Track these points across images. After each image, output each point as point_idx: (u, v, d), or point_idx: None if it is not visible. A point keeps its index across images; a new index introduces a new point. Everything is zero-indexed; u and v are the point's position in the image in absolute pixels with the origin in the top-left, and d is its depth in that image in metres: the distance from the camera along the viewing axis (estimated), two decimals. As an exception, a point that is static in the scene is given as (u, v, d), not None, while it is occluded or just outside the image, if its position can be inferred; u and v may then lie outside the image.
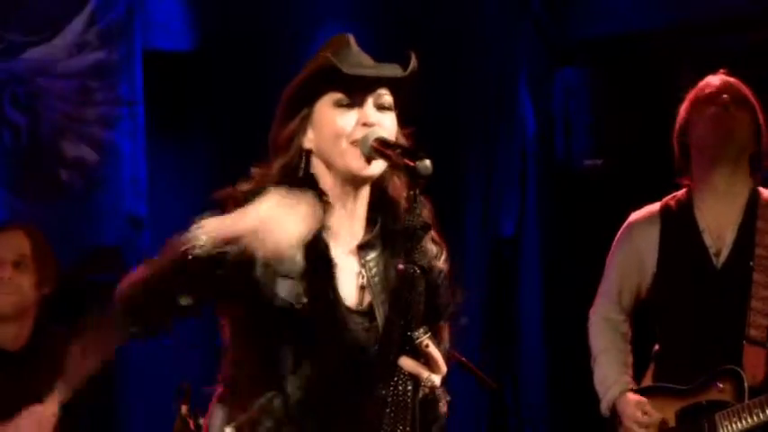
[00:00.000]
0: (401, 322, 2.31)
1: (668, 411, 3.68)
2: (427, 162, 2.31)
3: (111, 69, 5.17)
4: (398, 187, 2.55)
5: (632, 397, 3.72)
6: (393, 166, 2.44)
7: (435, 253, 2.58)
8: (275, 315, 2.43)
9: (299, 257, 2.42)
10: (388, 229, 2.55)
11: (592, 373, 3.87)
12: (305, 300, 2.44)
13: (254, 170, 2.54)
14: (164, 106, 5.26)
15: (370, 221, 2.56)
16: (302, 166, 2.52)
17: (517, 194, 5.82)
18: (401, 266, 2.33)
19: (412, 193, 2.33)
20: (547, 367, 5.77)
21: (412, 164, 2.31)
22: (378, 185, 2.56)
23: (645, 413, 3.67)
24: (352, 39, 2.55)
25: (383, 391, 2.32)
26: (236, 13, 5.40)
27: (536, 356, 5.79)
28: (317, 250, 2.46)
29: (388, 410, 2.30)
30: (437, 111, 5.11)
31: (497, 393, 5.01)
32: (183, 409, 4.05)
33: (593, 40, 5.75)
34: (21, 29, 5.00)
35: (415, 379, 2.31)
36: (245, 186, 2.49)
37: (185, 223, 2.40)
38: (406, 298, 2.30)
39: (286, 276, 2.44)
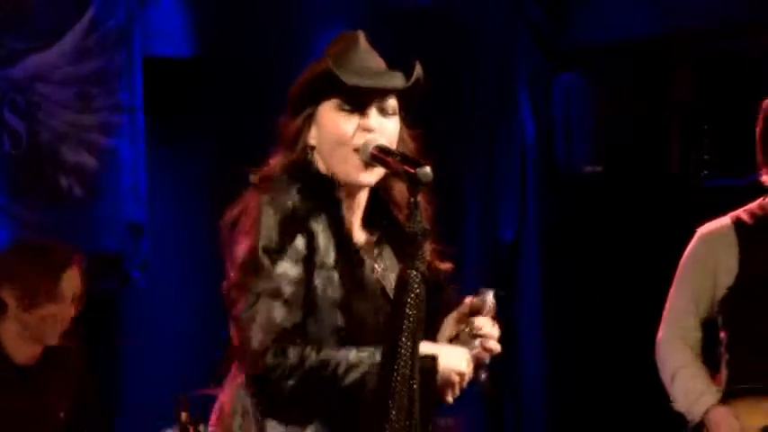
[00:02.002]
0: (401, 326, 2.31)
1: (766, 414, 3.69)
2: (427, 169, 2.32)
3: (111, 76, 5.17)
4: (400, 192, 2.56)
5: (722, 410, 3.71)
6: (393, 174, 2.44)
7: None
8: (315, 305, 2.45)
9: (331, 249, 2.46)
10: (390, 231, 2.58)
11: (667, 391, 3.79)
12: (340, 289, 2.46)
13: (254, 176, 2.54)
14: (164, 113, 5.26)
15: (367, 221, 2.59)
16: (312, 162, 2.53)
17: (517, 200, 5.83)
18: (402, 271, 2.34)
19: (412, 199, 2.32)
20: (547, 370, 5.78)
21: (412, 171, 2.32)
22: (376, 187, 2.58)
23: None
24: (362, 37, 2.56)
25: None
26: (236, 20, 5.41)
27: (536, 360, 5.80)
28: (344, 240, 2.49)
29: (390, 401, 2.29)
30: (436, 116, 5.11)
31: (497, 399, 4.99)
32: (183, 416, 4.06)
33: (592, 46, 5.76)
34: (21, 36, 5.00)
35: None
36: (256, 195, 2.47)
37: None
38: (405, 302, 2.30)
39: (321, 267, 2.45)
